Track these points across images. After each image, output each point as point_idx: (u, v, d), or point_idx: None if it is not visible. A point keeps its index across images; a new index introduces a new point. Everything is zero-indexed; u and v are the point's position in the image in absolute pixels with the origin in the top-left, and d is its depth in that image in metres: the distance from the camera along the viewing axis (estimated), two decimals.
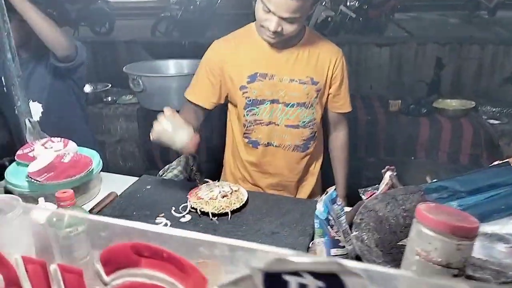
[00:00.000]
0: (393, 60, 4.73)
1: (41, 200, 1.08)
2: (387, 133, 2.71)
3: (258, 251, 0.39)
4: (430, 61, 4.08)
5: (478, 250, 0.87)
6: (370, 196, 1.53)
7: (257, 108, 1.50)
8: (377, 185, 1.53)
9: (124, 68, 3.15)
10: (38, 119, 1.87)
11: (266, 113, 1.51)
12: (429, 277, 0.38)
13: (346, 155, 1.73)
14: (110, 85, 3.42)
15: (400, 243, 0.97)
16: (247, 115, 1.52)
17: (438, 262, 0.73)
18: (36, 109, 1.88)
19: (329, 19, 6.30)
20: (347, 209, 1.36)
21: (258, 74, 1.47)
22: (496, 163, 1.17)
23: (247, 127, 1.55)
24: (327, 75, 1.52)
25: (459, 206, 1.02)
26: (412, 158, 2.68)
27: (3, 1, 1.49)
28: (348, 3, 6.43)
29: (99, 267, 0.47)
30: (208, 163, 2.48)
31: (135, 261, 0.43)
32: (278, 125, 1.52)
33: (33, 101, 1.87)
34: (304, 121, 1.53)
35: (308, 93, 1.49)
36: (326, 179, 1.79)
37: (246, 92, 1.48)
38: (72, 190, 0.97)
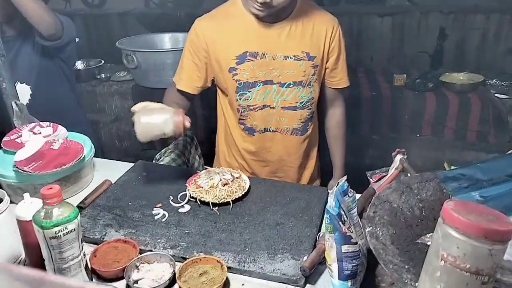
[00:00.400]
0: (395, 30, 4.57)
1: (26, 195, 0.99)
2: (391, 109, 2.61)
3: None
4: (433, 31, 3.94)
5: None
6: (379, 179, 1.46)
7: (249, 92, 1.38)
8: (385, 168, 1.46)
9: (117, 43, 3.01)
10: (28, 102, 1.78)
11: (260, 95, 1.39)
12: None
13: (343, 133, 1.64)
14: (103, 61, 3.28)
15: (418, 241, 0.89)
16: (239, 99, 1.40)
17: (467, 268, 0.66)
18: (24, 92, 1.78)
19: None
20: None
21: (247, 54, 1.34)
22: None
23: (241, 112, 1.43)
24: (323, 49, 1.40)
25: (481, 197, 0.94)
26: (418, 135, 2.59)
27: None
28: None
29: None
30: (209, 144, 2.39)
31: None
32: (273, 108, 1.41)
33: (20, 83, 1.77)
34: (302, 102, 1.42)
35: (305, 70, 1.37)
36: (323, 161, 1.71)
37: (236, 74, 1.36)
38: (58, 186, 0.89)
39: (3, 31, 1.71)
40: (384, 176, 1.42)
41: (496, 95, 2.56)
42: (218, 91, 1.50)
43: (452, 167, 1.07)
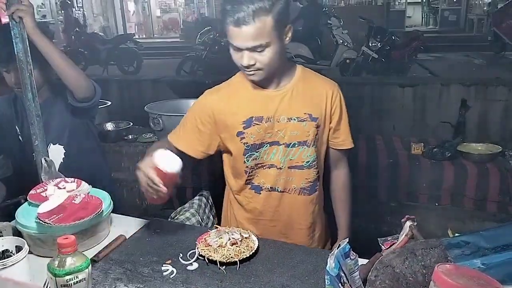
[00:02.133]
0: (416, 101, 4.66)
1: None
2: (409, 177, 2.61)
3: None
4: (454, 102, 4.00)
5: None
6: (390, 246, 1.45)
7: (257, 152, 1.45)
8: (397, 235, 1.45)
9: (145, 107, 3.20)
10: (62, 161, 1.87)
11: (267, 155, 1.45)
12: None
13: (348, 195, 1.65)
14: (131, 124, 3.47)
15: None
16: (247, 161, 1.46)
17: None
18: (58, 152, 1.87)
19: (347, 61, 6.34)
20: (363, 261, 1.29)
21: (253, 118, 1.42)
22: None
23: (249, 173, 1.48)
24: (325, 110, 1.46)
25: (483, 264, 0.94)
26: (436, 204, 2.56)
27: (27, 42, 1.54)
28: (370, 44, 6.48)
29: None
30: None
31: None
32: (280, 168, 1.46)
33: (53, 144, 1.87)
34: (308, 161, 1.47)
35: (308, 130, 1.43)
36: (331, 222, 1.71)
37: (244, 138, 1.43)
38: (73, 236, 0.95)
39: (39, 94, 1.86)
40: (395, 243, 1.41)
41: None
42: (224, 159, 1.56)
43: (456, 234, 1.08)
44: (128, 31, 15.36)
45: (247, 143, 1.43)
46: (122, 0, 16.79)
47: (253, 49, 1.29)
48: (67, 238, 0.95)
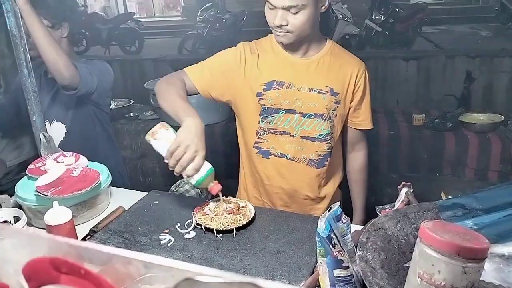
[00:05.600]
0: (421, 74, 4.61)
1: (55, 203, 1.17)
2: (410, 149, 2.60)
3: (173, 269, 0.35)
4: (459, 75, 3.94)
5: (492, 274, 0.80)
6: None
7: (272, 116, 1.45)
8: (393, 203, 1.46)
9: (145, 84, 3.20)
10: (62, 139, 1.89)
11: (281, 122, 1.45)
12: None
13: (365, 177, 1.65)
14: (132, 101, 3.47)
15: (407, 264, 0.90)
16: (262, 122, 1.47)
17: (442, 286, 0.67)
18: (60, 130, 1.89)
19: (347, 37, 6.22)
20: (359, 227, 1.30)
21: (275, 82, 1.43)
22: None
23: (260, 134, 1.49)
24: (348, 87, 1.46)
25: (474, 225, 0.94)
26: (437, 174, 2.56)
27: (20, 17, 1.52)
28: (373, 17, 6.37)
29: (23, 282, 0.43)
30: (227, 179, 2.44)
31: (55, 277, 0.40)
32: (293, 136, 1.46)
33: (56, 122, 1.88)
34: (322, 134, 1.46)
35: (327, 104, 1.43)
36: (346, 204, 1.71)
37: (262, 99, 1.44)
38: None
39: (46, 73, 1.85)
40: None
41: None
42: (237, 119, 1.57)
43: (449, 197, 1.08)
44: (128, 10, 15.18)
45: (264, 105, 1.44)
46: None
47: (288, 9, 1.29)
48: None
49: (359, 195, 1.66)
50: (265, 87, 1.43)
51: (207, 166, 1.23)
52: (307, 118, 1.44)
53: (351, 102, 1.49)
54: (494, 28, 8.61)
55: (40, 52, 1.60)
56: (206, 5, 7.66)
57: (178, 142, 1.18)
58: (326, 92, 1.43)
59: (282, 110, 1.44)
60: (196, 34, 7.32)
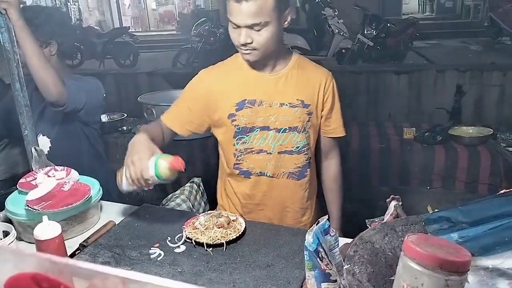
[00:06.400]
0: (412, 87, 4.65)
1: (45, 218, 1.16)
2: (401, 162, 2.63)
3: (149, 284, 0.36)
4: (450, 88, 3.99)
5: (476, 286, 0.81)
6: None
7: (247, 136, 1.46)
8: (382, 216, 1.48)
9: (138, 98, 3.21)
10: (46, 153, 1.88)
11: (257, 140, 1.46)
12: None
13: (339, 186, 1.67)
14: (125, 115, 3.48)
15: (392, 278, 0.90)
16: (237, 144, 1.48)
17: None
18: (44, 143, 1.89)
19: (343, 50, 6.31)
20: (348, 240, 1.31)
21: (246, 101, 1.44)
22: (502, 191, 1.10)
23: (237, 156, 1.50)
24: (318, 98, 1.48)
25: (460, 238, 0.96)
26: (428, 187, 2.58)
27: (13, 32, 1.54)
28: (365, 32, 6.46)
29: None
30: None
31: None
32: (270, 153, 1.47)
33: (42, 135, 1.89)
34: (298, 146, 1.48)
35: (300, 116, 1.45)
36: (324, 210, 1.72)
37: (235, 120, 1.45)
38: None
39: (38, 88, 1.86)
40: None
41: (507, 148, 2.56)
42: (218, 140, 1.57)
43: (436, 210, 1.09)
44: (123, 24, 15.29)
45: (238, 125, 1.45)
46: None
47: (251, 27, 1.30)
48: None
49: (333, 203, 1.67)
50: (237, 107, 1.44)
51: (152, 159, 1.25)
52: (282, 132, 1.46)
53: (322, 111, 1.52)
54: (484, 43, 8.76)
55: (29, 68, 1.61)
56: (201, 20, 7.74)
57: (125, 165, 1.28)
58: (297, 105, 1.45)
59: (257, 128, 1.46)
60: (190, 48, 7.38)
